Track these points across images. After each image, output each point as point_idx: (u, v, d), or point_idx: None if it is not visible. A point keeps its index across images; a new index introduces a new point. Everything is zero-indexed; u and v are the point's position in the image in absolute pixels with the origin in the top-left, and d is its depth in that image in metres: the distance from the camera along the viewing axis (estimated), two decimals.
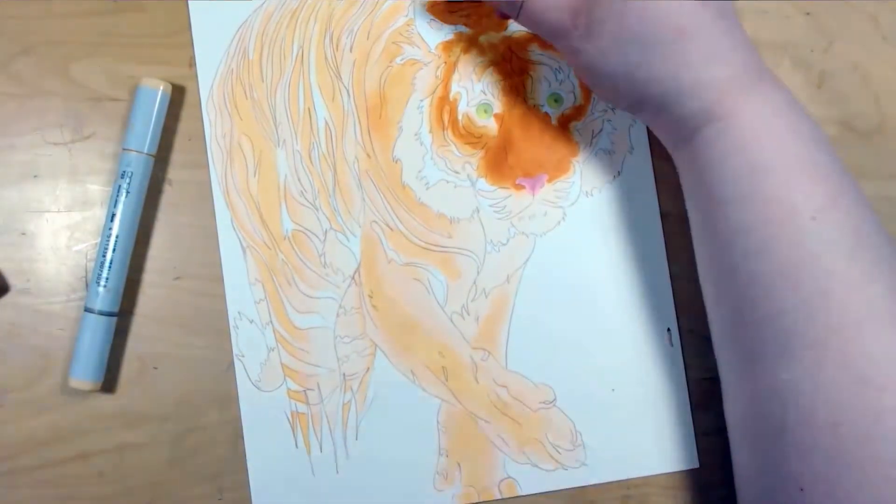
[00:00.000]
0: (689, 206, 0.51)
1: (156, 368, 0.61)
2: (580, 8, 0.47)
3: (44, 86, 0.62)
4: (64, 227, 0.61)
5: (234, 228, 0.60)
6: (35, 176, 0.61)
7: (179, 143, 0.62)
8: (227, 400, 0.61)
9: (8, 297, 0.61)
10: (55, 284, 0.61)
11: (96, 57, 0.62)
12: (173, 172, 0.62)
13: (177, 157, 0.62)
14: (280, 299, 0.60)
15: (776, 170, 0.47)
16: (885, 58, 0.64)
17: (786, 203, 0.47)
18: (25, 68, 0.62)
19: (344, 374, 0.60)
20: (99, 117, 0.61)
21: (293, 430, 0.60)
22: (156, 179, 0.61)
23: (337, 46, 0.61)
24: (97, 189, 0.61)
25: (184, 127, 0.62)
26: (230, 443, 0.61)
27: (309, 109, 0.61)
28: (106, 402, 0.61)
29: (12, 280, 0.61)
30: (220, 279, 0.61)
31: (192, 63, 0.62)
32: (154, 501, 0.61)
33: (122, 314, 0.61)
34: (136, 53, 0.62)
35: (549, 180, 0.61)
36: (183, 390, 0.61)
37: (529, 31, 0.52)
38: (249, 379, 0.60)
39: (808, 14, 0.63)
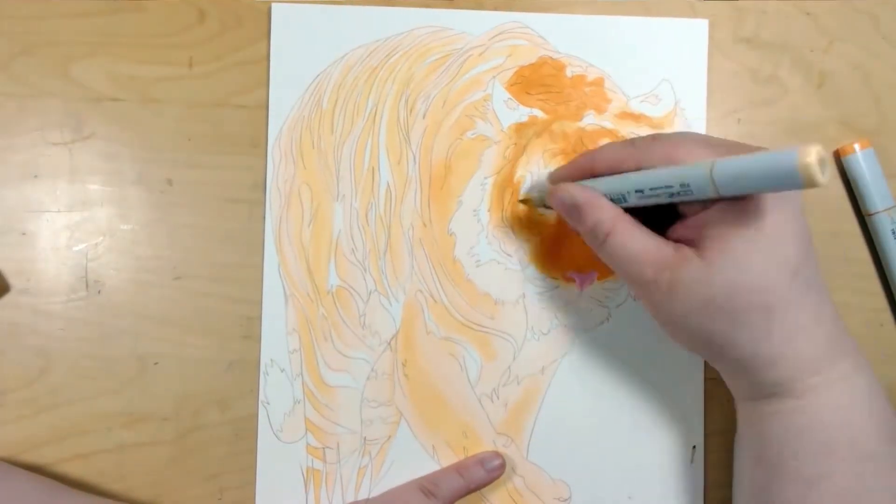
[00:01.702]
0: (745, 462, 0.51)
1: (156, 367, 0.61)
2: (663, 264, 0.46)
3: (44, 86, 0.62)
4: (64, 227, 0.61)
5: (280, 275, 0.60)
6: (35, 176, 0.61)
7: (179, 142, 0.62)
8: (227, 400, 0.61)
9: (8, 297, 0.61)
10: (55, 284, 0.61)
11: (96, 57, 0.62)
12: (173, 172, 0.61)
13: (177, 156, 0.62)
14: (314, 353, 0.60)
15: (847, 458, 0.47)
16: (885, 58, 0.63)
17: (853, 493, 0.47)
18: (25, 68, 0.62)
19: (365, 438, 0.60)
20: (99, 117, 0.61)
21: (306, 486, 0.60)
22: (156, 179, 0.61)
23: (411, 110, 0.60)
24: (97, 189, 0.61)
25: (184, 127, 0.62)
26: (230, 443, 0.61)
27: (373, 169, 0.60)
28: (106, 402, 0.61)
29: (12, 280, 0.61)
30: (221, 279, 0.61)
31: (191, 63, 0.62)
32: (154, 501, 0.61)
33: (123, 314, 0.61)
34: (136, 53, 0.62)
35: (600, 278, 0.60)
36: (183, 390, 0.61)
37: (612, 268, 0.50)
38: (271, 427, 0.60)
39: (808, 14, 0.63)
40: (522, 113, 0.60)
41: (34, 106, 0.61)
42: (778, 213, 0.46)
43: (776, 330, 0.45)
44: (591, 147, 0.60)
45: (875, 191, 0.60)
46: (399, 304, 0.60)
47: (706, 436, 0.61)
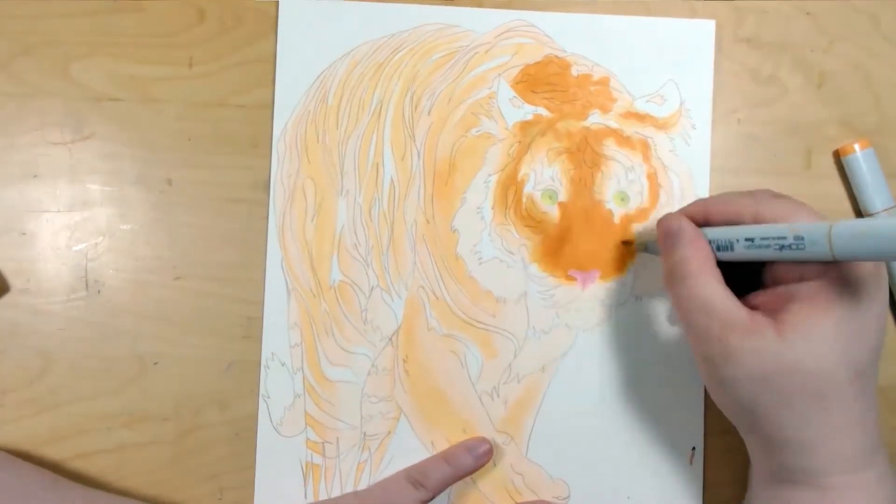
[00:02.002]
0: None
1: (156, 367, 0.61)
2: (734, 327, 0.45)
3: (44, 86, 0.62)
4: (64, 227, 0.61)
5: (283, 270, 0.60)
6: (35, 176, 0.61)
7: (179, 142, 0.62)
8: (227, 400, 0.61)
9: (8, 297, 0.61)
10: (55, 284, 0.61)
11: (96, 57, 0.62)
12: (173, 172, 0.61)
13: (177, 156, 0.62)
14: (315, 348, 0.60)
15: None
16: (885, 58, 0.64)
17: None
18: (25, 68, 0.62)
19: (365, 433, 0.60)
20: (99, 117, 0.61)
21: (305, 480, 0.60)
22: (156, 179, 0.61)
23: (416, 107, 0.61)
24: (97, 189, 0.61)
25: (184, 127, 0.62)
26: (230, 443, 0.61)
27: (377, 164, 0.60)
28: (106, 402, 0.61)
29: (12, 280, 0.61)
30: (221, 279, 0.61)
31: (191, 63, 0.62)
32: (154, 501, 0.61)
33: (123, 314, 0.61)
34: (136, 53, 0.62)
35: (602, 277, 0.60)
36: (183, 390, 0.61)
37: (677, 312, 0.50)
38: (271, 421, 0.60)
39: (808, 14, 0.63)
40: (527, 111, 0.60)
41: (34, 106, 0.61)
42: (868, 310, 0.46)
43: (822, 421, 0.44)
44: (595, 147, 0.60)
45: (875, 191, 0.60)
46: (401, 300, 0.60)
47: (706, 437, 0.61)
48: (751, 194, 0.48)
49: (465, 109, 0.60)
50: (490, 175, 0.59)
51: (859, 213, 0.62)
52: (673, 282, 0.49)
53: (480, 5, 0.62)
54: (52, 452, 0.60)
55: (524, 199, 0.60)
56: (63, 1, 0.61)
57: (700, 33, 0.61)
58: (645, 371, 0.61)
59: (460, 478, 0.59)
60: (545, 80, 0.61)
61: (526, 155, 0.60)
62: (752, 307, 0.47)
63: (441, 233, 0.60)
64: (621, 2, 0.62)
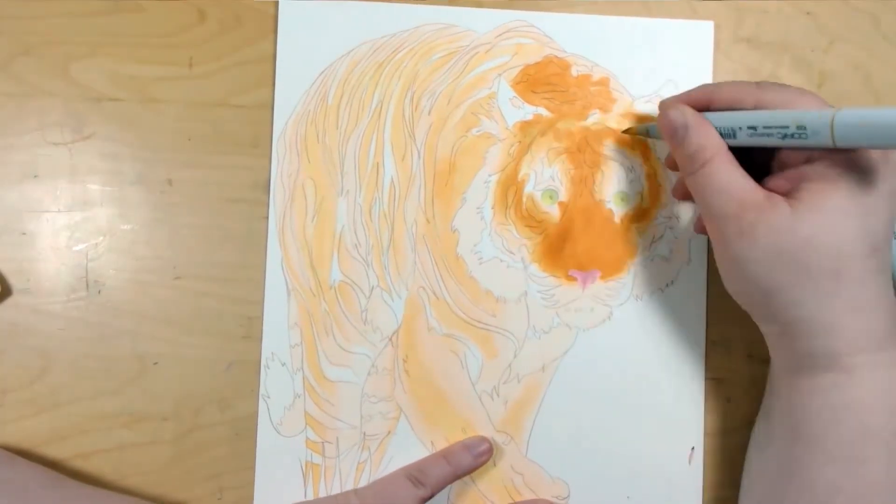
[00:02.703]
0: (774, 434, 0.50)
1: (156, 367, 0.61)
2: (751, 205, 0.46)
3: (44, 86, 0.62)
4: (64, 227, 0.61)
5: (283, 270, 0.60)
6: (35, 176, 0.61)
7: (179, 142, 0.62)
8: (227, 400, 0.61)
9: (8, 297, 0.60)
10: (55, 284, 0.61)
11: (96, 57, 0.62)
12: (173, 172, 0.61)
13: (177, 156, 0.62)
14: (315, 347, 0.60)
15: (888, 445, 0.47)
16: (885, 58, 0.64)
17: (892, 482, 0.46)
18: (25, 68, 0.62)
19: (364, 433, 0.60)
20: (99, 117, 0.61)
21: (305, 480, 0.60)
22: (156, 179, 0.61)
23: (416, 107, 0.61)
24: (97, 189, 0.61)
25: (184, 127, 0.62)
26: (230, 443, 0.61)
27: (378, 164, 0.60)
28: (106, 402, 0.61)
29: (12, 280, 0.61)
30: (221, 279, 0.61)
31: (191, 63, 0.62)
32: (154, 501, 0.60)
33: (123, 314, 0.61)
34: (136, 53, 0.62)
35: (602, 277, 0.60)
36: (183, 390, 0.61)
37: (695, 198, 0.50)
38: (271, 420, 0.60)
39: (808, 14, 0.63)
40: (527, 111, 0.61)
41: (34, 106, 0.61)
42: (879, 187, 0.46)
43: (841, 299, 0.45)
44: (595, 147, 0.60)
45: None
46: (401, 300, 0.60)
47: (705, 436, 0.61)
48: (756, 83, 0.49)
49: (465, 109, 0.60)
50: (490, 175, 0.59)
51: None
52: (692, 171, 0.49)
53: (480, 5, 0.61)
54: (52, 452, 0.60)
55: (524, 199, 0.60)
56: (63, 1, 0.61)
57: (699, 34, 0.61)
58: (645, 371, 0.61)
59: (460, 476, 0.59)
60: (545, 80, 0.61)
61: (526, 155, 0.60)
62: (769, 190, 0.47)
63: (441, 233, 0.60)
64: (621, 2, 0.62)
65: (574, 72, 0.61)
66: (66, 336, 0.61)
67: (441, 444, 0.60)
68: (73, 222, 0.61)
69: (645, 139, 0.60)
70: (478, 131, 0.60)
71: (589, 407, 0.61)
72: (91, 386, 0.60)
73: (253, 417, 0.60)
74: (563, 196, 0.60)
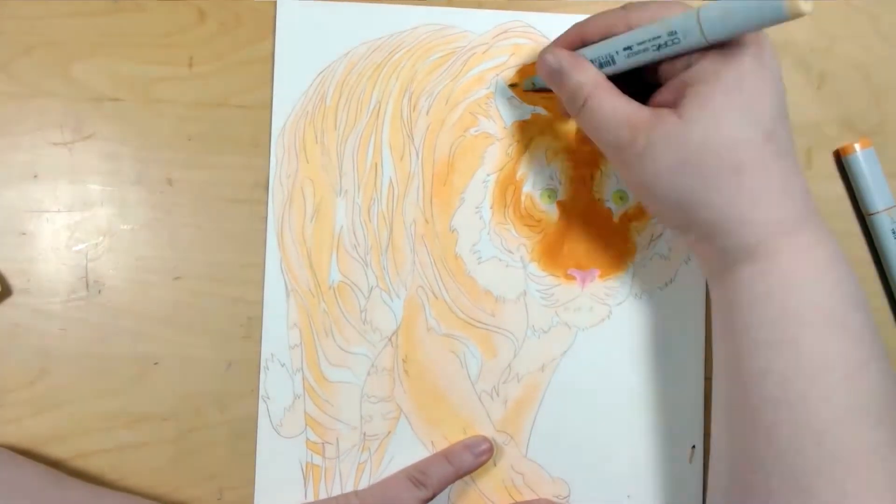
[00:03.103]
0: (717, 338, 0.50)
1: (156, 367, 0.61)
2: (640, 125, 0.46)
3: (44, 86, 0.62)
4: (64, 227, 0.61)
5: (282, 270, 0.60)
6: (35, 176, 0.61)
7: (179, 142, 0.62)
8: (227, 400, 0.61)
9: (8, 297, 0.60)
10: (55, 284, 0.61)
11: (96, 57, 0.62)
12: (173, 172, 0.61)
13: (177, 156, 0.62)
14: (315, 348, 0.60)
15: (813, 324, 0.47)
16: (885, 58, 0.64)
17: (818, 359, 0.46)
18: (25, 68, 0.62)
19: (364, 434, 0.60)
20: (99, 117, 0.62)
21: (305, 481, 0.60)
22: (156, 179, 0.61)
23: (414, 107, 0.61)
24: (97, 189, 0.61)
25: (184, 127, 0.62)
26: (230, 443, 0.61)
27: (376, 165, 0.60)
28: (106, 402, 0.61)
29: (12, 280, 0.61)
30: (221, 279, 0.61)
31: (191, 63, 0.62)
32: (154, 501, 0.60)
33: (123, 314, 0.61)
34: (136, 53, 0.62)
35: (601, 276, 0.60)
36: (183, 390, 0.61)
37: (588, 134, 0.51)
38: (271, 422, 0.60)
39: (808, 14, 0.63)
40: (526, 111, 0.61)
41: (34, 106, 0.61)
42: (756, 74, 0.47)
43: (746, 191, 0.45)
44: (594, 146, 0.59)
45: (875, 191, 0.60)
46: (400, 300, 0.60)
47: (705, 436, 0.61)
48: (622, 7, 0.50)
49: (463, 109, 0.60)
50: (489, 175, 0.59)
51: (860, 212, 0.62)
52: (575, 111, 0.50)
53: (478, 6, 0.61)
54: (53, 452, 0.60)
55: (523, 199, 0.60)
56: (63, 1, 0.61)
57: None
58: (644, 369, 0.61)
59: (461, 476, 0.59)
60: None
61: (524, 154, 0.60)
62: (657, 106, 0.48)
63: (440, 232, 0.60)
64: (619, 2, 0.62)
65: None
66: (66, 336, 0.61)
67: (441, 444, 0.60)
68: (73, 222, 0.61)
69: (531, 91, 0.60)
70: (476, 131, 0.60)
71: (589, 406, 0.61)
72: (91, 386, 0.61)
73: (253, 417, 0.60)
74: (562, 195, 0.60)
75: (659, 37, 0.46)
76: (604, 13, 0.51)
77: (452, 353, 0.60)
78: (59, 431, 0.61)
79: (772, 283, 0.47)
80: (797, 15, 0.40)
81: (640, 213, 0.60)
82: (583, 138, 0.60)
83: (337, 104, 0.60)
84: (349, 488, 0.60)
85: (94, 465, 0.61)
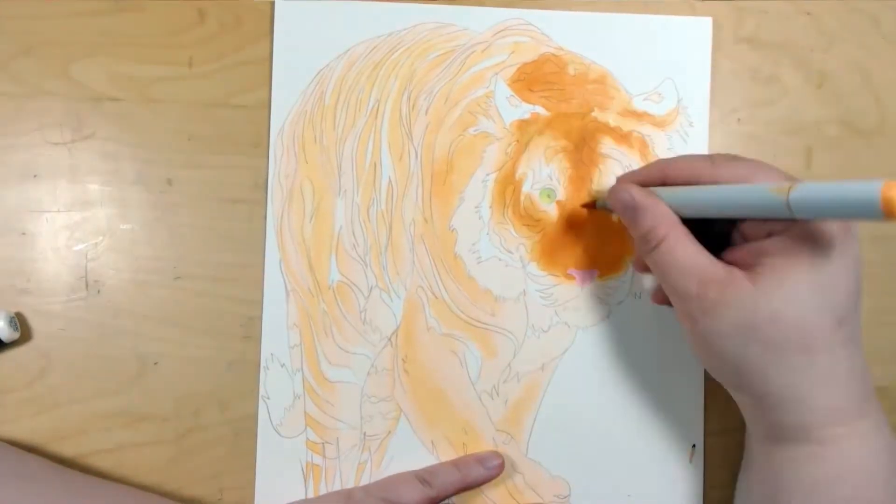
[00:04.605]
0: (752, 495, 0.51)
1: (156, 367, 0.61)
2: (711, 281, 0.45)
3: (44, 86, 0.62)
4: (64, 227, 0.61)
5: (282, 271, 0.60)
6: (35, 176, 0.61)
7: (179, 142, 0.62)
8: (227, 400, 0.61)
9: (8, 297, 0.61)
10: (55, 284, 0.61)
11: (96, 57, 0.62)
12: (173, 172, 0.61)
13: (177, 156, 0.62)
14: (315, 348, 0.60)
15: None
16: (885, 58, 0.64)
17: None
18: (25, 68, 0.62)
19: (365, 434, 0.60)
20: (99, 117, 0.61)
21: (305, 481, 0.60)
22: (156, 179, 0.61)
23: (413, 106, 0.60)
24: (97, 189, 0.61)
25: (184, 127, 0.62)
26: (230, 443, 0.61)
27: (375, 164, 0.60)
28: (106, 402, 0.61)
29: (12, 280, 0.61)
30: (221, 279, 0.61)
31: (191, 63, 0.62)
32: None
33: (123, 314, 0.61)
34: (136, 53, 0.62)
35: (601, 276, 0.60)
36: (183, 390, 0.61)
37: (656, 276, 0.50)
38: (271, 422, 0.60)
39: (808, 14, 0.63)
40: (525, 110, 0.60)
41: (34, 106, 0.61)
42: (839, 260, 0.45)
43: (810, 373, 0.44)
44: (593, 145, 0.60)
45: None
46: (400, 299, 0.60)
47: (706, 435, 0.61)
48: (710, 157, 0.48)
49: (462, 108, 0.60)
50: (488, 174, 0.59)
51: None
52: (647, 252, 0.49)
53: (478, 3, 0.61)
54: (53, 452, 0.60)
55: (522, 198, 0.60)
56: (63, 1, 0.61)
57: (697, 31, 0.61)
58: (644, 368, 0.61)
59: (469, 487, 0.59)
60: (542, 78, 0.61)
61: (524, 154, 0.60)
62: (728, 263, 0.46)
63: (439, 232, 0.60)
64: (621, 1, 0.62)
65: (571, 70, 0.61)
66: (66, 336, 0.61)
67: (441, 444, 0.60)
68: (73, 222, 0.61)
69: (603, 209, 0.60)
70: (475, 130, 0.60)
71: (589, 405, 0.61)
72: (91, 386, 0.61)
73: (253, 417, 0.60)
74: (561, 195, 0.60)
75: (745, 201, 0.44)
76: (690, 157, 0.50)
77: (452, 352, 0.60)
78: (59, 431, 0.61)
79: (823, 471, 0.46)
80: (891, 217, 0.39)
81: None
82: (582, 138, 0.60)
83: (336, 104, 0.60)
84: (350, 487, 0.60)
85: (94, 465, 0.61)
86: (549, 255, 0.60)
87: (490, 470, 0.59)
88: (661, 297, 0.55)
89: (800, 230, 0.44)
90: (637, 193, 0.49)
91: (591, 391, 0.61)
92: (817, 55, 0.63)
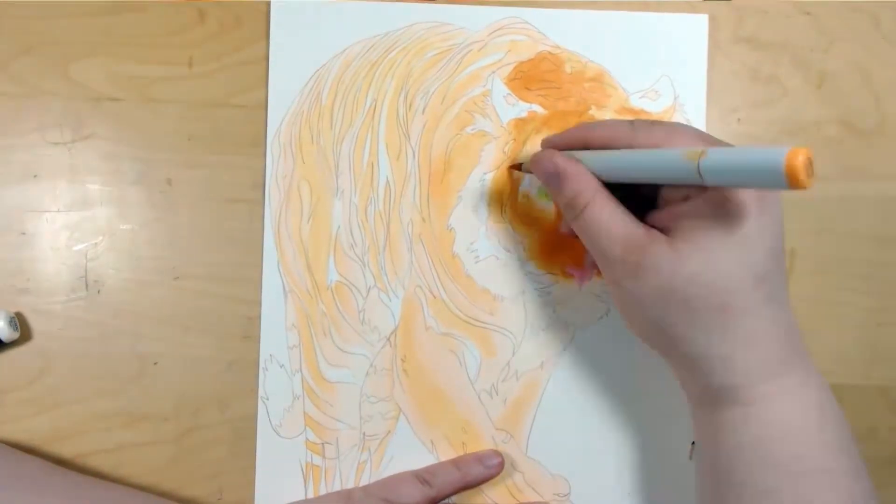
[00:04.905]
0: (699, 459, 0.51)
1: (156, 367, 0.61)
2: (633, 245, 0.46)
3: (44, 86, 0.62)
4: (64, 227, 0.62)
5: (280, 271, 0.60)
6: (35, 176, 0.61)
7: (179, 142, 0.62)
8: (227, 400, 0.61)
9: (8, 297, 0.61)
10: (55, 284, 0.61)
11: (96, 57, 0.62)
12: (173, 172, 0.62)
13: (177, 156, 0.62)
14: (313, 348, 0.60)
15: (795, 473, 0.46)
16: (885, 58, 0.63)
17: None
18: (25, 68, 0.62)
19: (364, 434, 0.60)
20: (99, 117, 0.62)
21: (305, 482, 0.60)
22: (156, 179, 0.61)
23: (410, 106, 0.60)
24: (97, 189, 0.61)
25: (184, 127, 0.62)
26: (230, 443, 0.61)
27: (372, 164, 0.60)
28: (106, 402, 0.61)
29: (12, 280, 0.61)
30: (221, 279, 0.62)
31: (191, 63, 0.62)
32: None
33: (123, 314, 0.61)
34: (136, 53, 0.62)
35: (599, 274, 0.60)
36: (183, 390, 0.61)
37: (582, 241, 0.50)
38: (270, 422, 0.60)
39: (808, 14, 0.63)
40: (522, 108, 0.60)
41: (34, 106, 0.61)
42: (755, 219, 0.46)
43: (730, 333, 0.45)
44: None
45: None
46: (398, 299, 0.60)
47: None
48: (630, 123, 0.49)
49: (459, 107, 0.60)
50: (485, 173, 0.59)
51: None
52: (572, 218, 0.49)
53: (474, 2, 0.61)
54: (52, 452, 0.61)
55: (520, 197, 0.60)
56: (63, 1, 0.61)
57: (693, 28, 0.61)
58: (643, 366, 0.61)
59: (469, 486, 0.59)
60: (539, 77, 0.60)
61: (521, 152, 0.60)
62: (651, 227, 0.47)
63: (437, 231, 0.60)
64: (622, 1, 0.62)
65: (568, 68, 0.61)
66: (66, 336, 0.61)
67: (441, 444, 0.60)
68: (73, 222, 0.61)
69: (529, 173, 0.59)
70: (472, 129, 0.60)
71: (588, 403, 0.61)
72: (91, 386, 0.61)
73: (253, 417, 0.61)
74: None
75: (659, 168, 0.45)
76: (609, 123, 0.50)
77: (451, 352, 0.60)
78: (59, 431, 0.61)
79: (755, 432, 0.46)
80: (796, 186, 0.39)
81: None
82: None
83: (332, 103, 0.60)
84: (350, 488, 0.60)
85: (93, 465, 0.61)
86: (547, 253, 0.60)
87: (490, 469, 0.59)
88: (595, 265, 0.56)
89: (715, 193, 0.46)
90: (560, 161, 0.49)
91: (591, 389, 0.61)
92: (817, 55, 0.63)
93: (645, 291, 0.46)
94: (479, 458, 0.59)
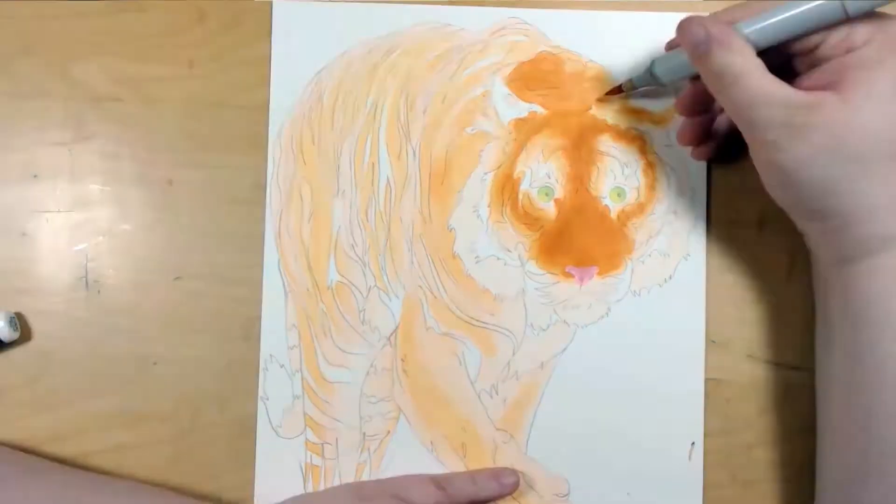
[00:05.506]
0: (831, 327, 0.50)
1: (156, 367, 0.61)
2: (798, 105, 0.45)
3: (44, 86, 0.62)
4: (64, 227, 0.62)
5: (280, 271, 0.60)
6: (35, 176, 0.62)
7: (179, 142, 0.62)
8: (227, 400, 0.61)
9: (8, 297, 0.61)
10: (55, 284, 0.61)
11: (96, 57, 0.62)
12: (173, 172, 0.62)
13: (177, 157, 0.62)
14: (314, 348, 0.60)
15: None
16: None
17: None
18: (25, 68, 0.62)
19: (364, 434, 0.60)
20: (99, 117, 0.62)
21: (305, 482, 0.60)
22: (156, 179, 0.61)
23: (411, 107, 0.60)
24: (97, 189, 0.61)
25: (184, 127, 0.62)
26: (229, 443, 0.61)
27: (373, 165, 0.60)
28: (106, 402, 0.61)
29: (12, 280, 0.61)
30: (221, 279, 0.62)
31: (192, 63, 0.62)
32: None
33: (122, 314, 0.61)
34: (136, 53, 0.62)
35: (599, 273, 0.60)
36: (182, 390, 0.61)
37: (730, 114, 0.49)
38: (270, 422, 0.60)
39: None
40: (522, 108, 0.60)
41: (34, 106, 0.61)
42: None
43: None
44: (591, 143, 0.60)
45: None
46: (398, 299, 0.60)
47: (705, 435, 0.61)
48: None
49: (460, 108, 0.60)
50: (486, 173, 0.59)
51: None
52: (722, 88, 0.47)
53: (475, 3, 0.61)
54: (52, 452, 0.61)
55: (520, 197, 0.60)
56: (63, 1, 0.61)
57: None
58: (643, 366, 0.61)
59: (481, 500, 0.59)
60: (539, 77, 0.60)
61: (522, 152, 0.60)
62: (808, 90, 0.46)
63: (438, 232, 0.60)
64: (622, 1, 0.62)
65: (568, 68, 0.61)
66: (65, 336, 0.61)
67: (441, 444, 0.60)
68: (73, 222, 0.61)
69: (631, 91, 0.59)
70: (473, 130, 0.60)
71: (588, 403, 0.61)
72: (91, 386, 0.61)
73: (252, 417, 0.61)
74: (559, 193, 0.60)
75: (809, 17, 0.46)
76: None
77: (451, 352, 0.60)
78: (59, 431, 0.61)
79: None
80: None
81: (637, 210, 0.60)
82: (580, 136, 0.60)
83: (334, 105, 0.60)
84: None
85: (93, 465, 0.61)
86: (547, 253, 0.60)
87: (504, 487, 0.59)
88: (689, 137, 0.57)
89: (880, 41, 0.45)
90: (711, 24, 0.47)
91: (591, 389, 0.61)
92: None
93: (813, 150, 0.45)
94: (495, 474, 0.59)
